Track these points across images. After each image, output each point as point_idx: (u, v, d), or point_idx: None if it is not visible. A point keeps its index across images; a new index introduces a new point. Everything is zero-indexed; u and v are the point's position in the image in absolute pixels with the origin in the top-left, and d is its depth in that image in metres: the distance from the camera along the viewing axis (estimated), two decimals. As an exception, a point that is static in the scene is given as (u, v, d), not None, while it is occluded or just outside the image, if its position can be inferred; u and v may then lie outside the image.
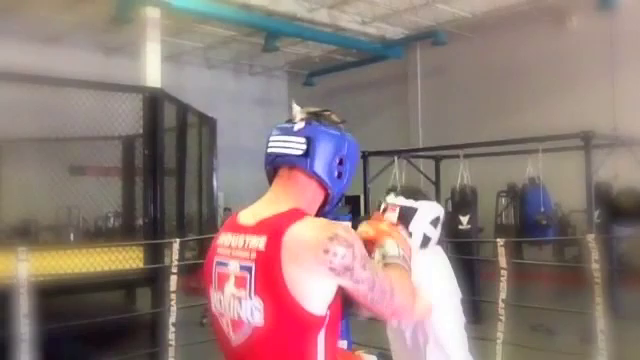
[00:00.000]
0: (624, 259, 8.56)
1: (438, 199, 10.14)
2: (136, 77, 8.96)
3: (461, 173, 8.31)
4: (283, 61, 15.35)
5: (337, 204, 1.58)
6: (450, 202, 8.61)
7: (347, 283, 1.38)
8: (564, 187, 8.47)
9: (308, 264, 1.34)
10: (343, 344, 5.57)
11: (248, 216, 1.52)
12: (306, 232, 1.37)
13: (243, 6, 10.72)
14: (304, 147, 1.48)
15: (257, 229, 1.43)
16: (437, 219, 2.33)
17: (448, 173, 9.41)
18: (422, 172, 10.26)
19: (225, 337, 1.48)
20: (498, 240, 5.49)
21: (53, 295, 4.72)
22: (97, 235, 9.61)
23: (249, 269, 1.39)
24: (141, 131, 6.00)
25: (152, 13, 9.72)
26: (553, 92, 11.32)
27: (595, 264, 4.90)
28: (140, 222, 6.39)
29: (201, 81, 14.43)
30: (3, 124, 6.73)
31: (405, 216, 2.25)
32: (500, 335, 5.17)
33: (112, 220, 9.51)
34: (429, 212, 2.31)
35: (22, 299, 3.91)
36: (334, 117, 1.61)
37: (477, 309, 7.13)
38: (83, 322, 4.66)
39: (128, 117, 5.99)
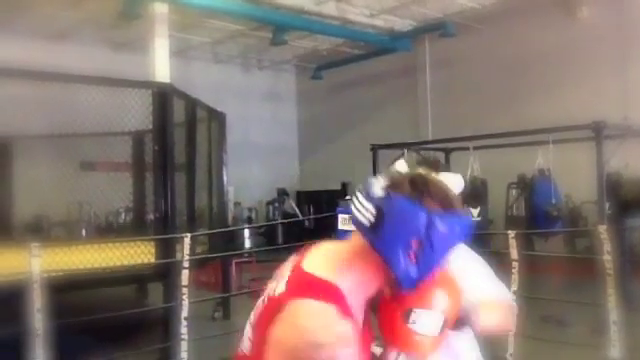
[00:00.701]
0: (636, 250, 8.50)
1: (448, 191, 10.10)
2: (145, 73, 8.98)
3: (471, 165, 8.29)
4: (291, 55, 15.33)
5: (415, 287, 1.30)
6: (460, 194, 8.56)
7: None
8: (575, 178, 8.42)
9: (281, 344, 1.25)
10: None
11: (309, 259, 1.38)
12: (302, 317, 1.23)
13: (251, 0, 10.71)
14: (372, 219, 1.26)
15: (290, 277, 1.33)
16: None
17: (458, 165, 9.36)
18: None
19: None
20: (509, 232, 5.47)
21: (66, 290, 4.76)
22: (108, 230, 9.67)
23: (264, 303, 1.34)
24: (151, 126, 6.01)
25: (160, 8, 9.73)
26: (563, 83, 11.24)
27: (607, 255, 4.88)
28: (151, 217, 6.42)
29: (209, 76, 14.44)
30: (14, 121, 6.78)
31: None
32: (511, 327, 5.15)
33: (123, 215, 9.56)
34: (455, 187, 1.83)
35: (35, 294, 3.95)
36: (433, 190, 1.29)
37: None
38: (96, 317, 4.70)
39: (137, 113, 6.00)
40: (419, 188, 1.27)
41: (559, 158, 7.96)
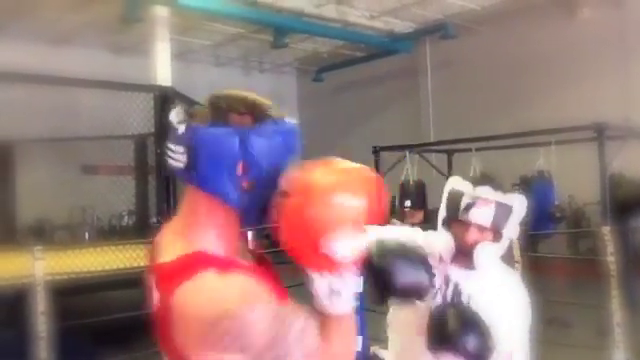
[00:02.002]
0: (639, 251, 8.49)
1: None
2: (146, 76, 8.99)
3: (473, 167, 8.29)
4: (292, 58, 15.34)
5: (264, 212, 1.19)
6: (462, 196, 8.56)
7: (255, 353, 1.10)
8: (578, 179, 8.41)
9: (196, 336, 1.09)
10: (358, 339, 5.58)
11: (167, 233, 1.25)
12: (196, 298, 1.09)
13: (251, 3, 10.72)
14: (184, 158, 1.14)
15: (155, 276, 1.19)
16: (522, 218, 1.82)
17: (460, 167, 9.37)
18: (434, 166, 10.23)
19: None
20: (512, 233, 5.46)
21: (69, 293, 4.76)
22: (111, 233, 9.67)
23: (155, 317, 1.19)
24: (153, 129, 6.02)
25: (161, 12, 9.75)
26: (565, 84, 11.24)
27: (610, 256, 4.87)
28: (154, 220, 6.42)
29: (210, 79, 14.45)
30: (17, 125, 6.79)
31: (500, 217, 1.72)
32: (515, 329, 5.14)
33: (126, 218, 9.56)
34: (522, 210, 1.80)
35: (39, 297, 3.95)
36: (235, 104, 1.19)
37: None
38: (99, 319, 4.70)
39: (139, 116, 6.02)
40: (221, 109, 1.17)
41: (561, 159, 7.95)
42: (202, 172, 1.13)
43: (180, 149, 1.14)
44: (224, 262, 1.14)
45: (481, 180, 1.81)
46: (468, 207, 1.74)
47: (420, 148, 9.95)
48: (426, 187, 9.85)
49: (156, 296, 1.16)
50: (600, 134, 6.95)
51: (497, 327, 1.75)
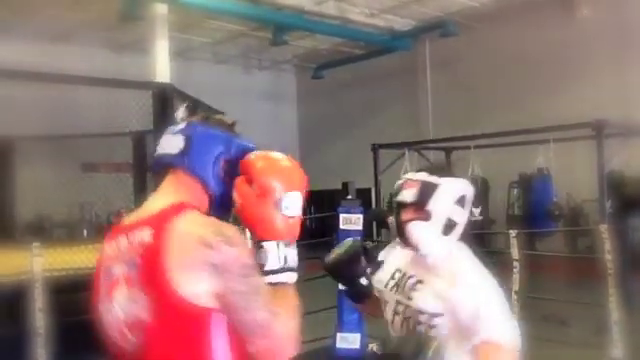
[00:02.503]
0: (638, 249, 8.51)
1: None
2: (145, 73, 8.99)
3: (472, 164, 8.29)
4: (291, 55, 15.33)
5: (226, 210, 1.45)
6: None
7: (223, 288, 1.26)
8: (576, 177, 8.42)
9: (191, 258, 1.26)
10: (356, 337, 5.59)
11: (132, 217, 1.46)
12: (191, 225, 1.30)
13: (251, 0, 10.71)
14: (182, 145, 1.42)
15: (142, 223, 1.36)
16: (463, 199, 1.94)
17: (459, 165, 9.38)
18: (433, 164, 10.23)
19: (120, 347, 1.37)
20: (510, 231, 5.48)
21: (67, 290, 4.77)
22: (110, 231, 9.64)
23: (136, 265, 1.32)
24: (152, 127, 6.02)
25: (160, 9, 9.74)
26: (564, 82, 11.24)
27: (608, 254, 4.88)
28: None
29: (210, 76, 14.45)
30: (16, 122, 6.79)
31: (424, 193, 1.88)
32: (513, 326, 5.15)
33: (124, 216, 9.54)
34: (455, 189, 1.92)
35: (37, 294, 3.96)
36: (222, 120, 1.54)
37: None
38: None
39: (138, 113, 6.01)
40: (211, 118, 1.51)
41: (560, 157, 7.96)
42: (193, 157, 1.41)
43: (179, 138, 1.43)
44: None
45: (426, 168, 1.98)
46: (398, 189, 1.93)
47: (419, 146, 9.95)
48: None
49: (144, 236, 1.32)
50: (598, 132, 6.95)
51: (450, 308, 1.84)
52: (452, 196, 1.90)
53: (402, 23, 12.75)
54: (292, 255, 1.38)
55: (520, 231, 5.66)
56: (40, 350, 3.91)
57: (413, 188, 1.89)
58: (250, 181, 1.37)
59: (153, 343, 1.31)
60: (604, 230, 4.99)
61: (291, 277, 1.38)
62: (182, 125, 1.46)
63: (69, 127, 6.78)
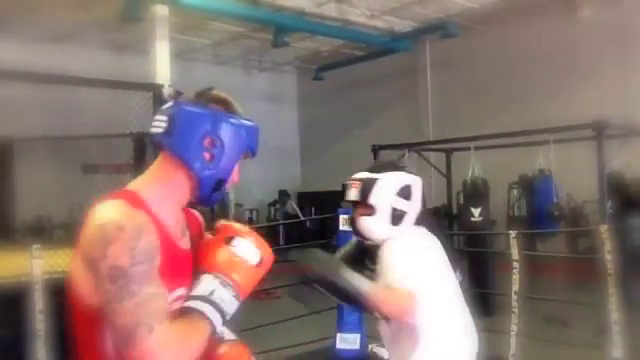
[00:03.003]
0: (638, 250, 8.50)
1: (449, 192, 10.12)
2: (146, 75, 8.99)
3: (472, 165, 8.29)
4: (292, 56, 15.33)
5: (214, 191, 1.40)
6: (462, 195, 8.59)
7: (91, 282, 1.24)
8: (576, 178, 8.41)
9: (84, 251, 1.27)
10: (356, 337, 5.58)
11: None
12: (91, 215, 1.30)
13: (251, 2, 10.72)
14: (165, 124, 1.37)
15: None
16: (407, 189, 2.03)
17: (459, 166, 9.38)
18: (433, 165, 10.23)
19: None
20: (510, 232, 5.47)
21: (67, 292, 4.77)
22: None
23: None
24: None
25: (161, 11, 9.75)
26: (565, 82, 11.23)
27: (608, 255, 4.87)
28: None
29: (210, 78, 14.40)
30: (16, 123, 6.79)
31: (364, 189, 2.00)
32: (514, 327, 5.16)
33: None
34: (394, 181, 2.03)
35: (37, 296, 3.95)
36: (216, 95, 1.45)
37: (490, 302, 7.12)
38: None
39: (139, 114, 6.01)
40: (204, 96, 1.42)
41: (560, 158, 7.95)
42: (176, 137, 1.36)
43: (163, 117, 1.37)
44: (143, 206, 1.32)
45: (369, 167, 2.13)
46: (345, 189, 2.07)
47: (419, 147, 9.94)
48: (424, 186, 9.84)
49: None
50: (599, 133, 6.94)
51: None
52: (392, 188, 2.02)
53: (402, 24, 12.75)
54: (224, 296, 1.30)
55: (520, 232, 5.65)
56: (40, 352, 3.90)
57: (356, 187, 2.02)
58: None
59: (70, 328, 1.34)
60: (604, 231, 4.98)
61: (207, 309, 1.29)
62: (169, 103, 1.41)
63: (69, 128, 6.78)
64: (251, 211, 15.16)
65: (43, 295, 3.97)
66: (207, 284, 1.31)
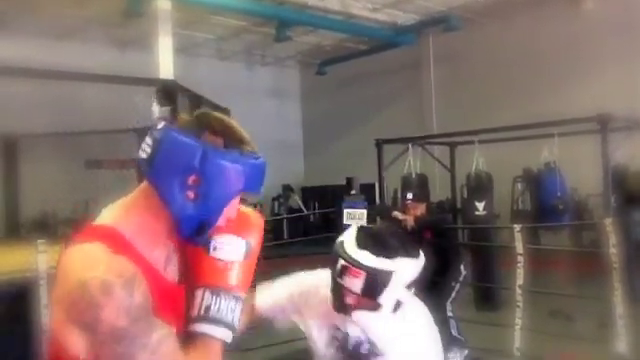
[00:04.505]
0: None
1: (453, 186, 10.11)
2: (149, 70, 8.99)
3: (476, 159, 8.26)
4: (295, 51, 15.32)
5: (198, 234, 1.21)
6: (466, 188, 8.58)
7: (88, 345, 1.09)
8: (581, 171, 8.38)
9: (56, 299, 1.14)
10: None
11: (102, 215, 1.29)
12: (68, 261, 1.14)
13: (254, -4, 10.72)
14: (149, 150, 1.19)
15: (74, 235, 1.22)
16: (415, 280, 1.66)
17: (463, 159, 9.35)
18: (437, 159, 10.21)
19: None
20: (515, 226, 5.47)
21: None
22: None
23: None
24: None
25: (163, 5, 9.74)
26: (569, 75, 11.19)
27: (613, 249, 4.86)
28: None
29: (213, 72, 14.45)
30: (21, 119, 6.80)
31: (374, 283, 1.57)
32: (518, 321, 5.16)
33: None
34: (406, 274, 1.62)
35: (42, 291, 3.97)
36: (214, 124, 1.22)
37: (494, 295, 7.12)
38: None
39: (142, 110, 6.01)
40: (202, 122, 1.21)
41: (565, 151, 7.92)
42: (157, 167, 1.17)
43: (149, 141, 1.19)
44: (125, 247, 1.16)
45: (364, 242, 1.62)
46: (341, 272, 1.61)
47: (423, 141, 9.91)
48: (428, 180, 9.84)
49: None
50: (604, 126, 6.91)
51: None
52: (403, 282, 1.62)
53: (405, 18, 12.71)
54: (221, 306, 1.21)
55: (524, 225, 5.64)
56: (45, 347, 3.92)
57: (359, 278, 1.58)
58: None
59: None
60: (609, 224, 4.97)
61: (213, 330, 1.20)
62: (160, 124, 1.22)
63: (73, 124, 6.79)
64: (255, 205, 15.08)
65: (48, 290, 3.99)
66: (200, 301, 1.22)
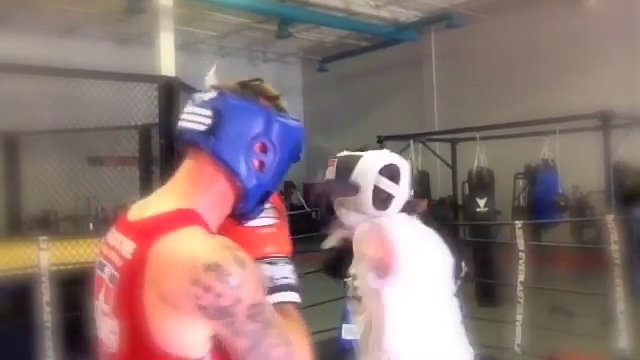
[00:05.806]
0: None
1: (455, 182, 10.11)
2: (151, 66, 8.99)
3: (478, 156, 8.27)
4: (296, 47, 15.30)
5: (260, 204, 1.18)
6: (467, 185, 8.58)
7: (222, 331, 1.00)
8: (582, 168, 8.38)
9: (171, 293, 0.99)
10: (351, 328, 5.59)
11: (136, 210, 1.18)
12: (178, 249, 1.01)
13: (255, -7, 10.70)
14: (209, 121, 1.12)
15: (132, 230, 1.10)
16: (392, 168, 1.78)
17: (465, 156, 9.35)
18: (438, 155, 10.21)
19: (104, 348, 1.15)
20: (516, 222, 5.47)
21: (74, 284, 4.80)
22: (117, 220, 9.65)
23: (116, 280, 1.09)
24: (157, 120, 6.02)
25: (164, 2, 9.73)
26: (571, 72, 11.17)
27: (614, 245, 4.87)
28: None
29: (215, 69, 14.43)
30: (21, 116, 6.81)
31: (343, 168, 1.78)
32: (519, 317, 5.17)
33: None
34: (376, 160, 1.78)
35: (44, 287, 3.98)
36: (265, 88, 1.20)
37: (495, 292, 7.13)
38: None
39: (144, 106, 6.02)
40: (256, 88, 1.19)
41: (566, 148, 7.93)
42: (222, 138, 1.11)
43: (206, 112, 1.13)
44: (207, 228, 1.10)
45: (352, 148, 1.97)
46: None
47: (424, 137, 9.92)
48: (430, 176, 9.85)
49: (128, 249, 1.07)
50: (605, 123, 6.91)
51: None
52: (374, 165, 1.76)
53: (407, 14, 12.69)
54: (283, 271, 1.19)
55: (526, 222, 5.65)
56: (47, 343, 3.93)
57: (332, 166, 1.83)
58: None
59: None
60: (610, 221, 4.97)
61: (287, 296, 1.17)
62: (212, 94, 1.16)
63: (74, 121, 6.80)
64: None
65: (50, 286, 4.00)
66: (263, 272, 1.17)
